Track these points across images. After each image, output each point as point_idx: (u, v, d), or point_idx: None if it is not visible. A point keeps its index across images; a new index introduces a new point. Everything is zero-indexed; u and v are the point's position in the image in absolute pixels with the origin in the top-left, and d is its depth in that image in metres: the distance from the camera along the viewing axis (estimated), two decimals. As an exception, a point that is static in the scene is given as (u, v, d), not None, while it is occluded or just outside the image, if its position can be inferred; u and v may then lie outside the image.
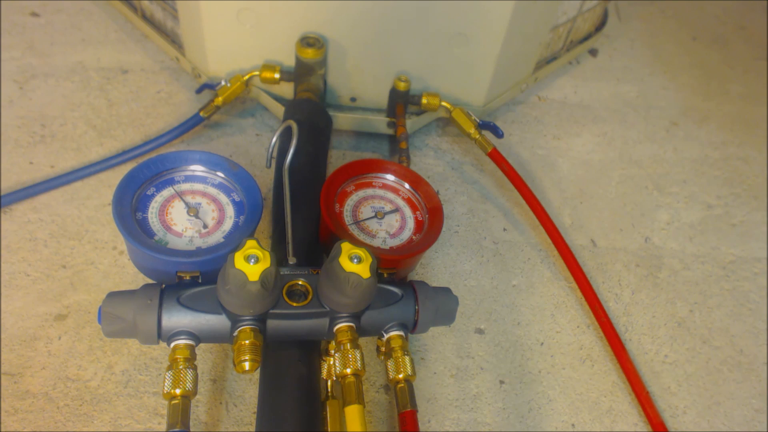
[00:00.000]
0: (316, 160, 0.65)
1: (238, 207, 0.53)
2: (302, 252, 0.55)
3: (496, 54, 0.74)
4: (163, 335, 0.46)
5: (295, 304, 0.47)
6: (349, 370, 0.46)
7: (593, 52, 1.05)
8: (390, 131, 0.78)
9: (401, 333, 0.50)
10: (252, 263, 0.42)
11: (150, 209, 0.51)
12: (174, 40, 0.82)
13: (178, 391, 0.43)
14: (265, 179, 0.73)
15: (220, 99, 0.72)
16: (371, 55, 0.73)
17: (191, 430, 0.44)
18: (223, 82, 0.73)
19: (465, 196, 0.77)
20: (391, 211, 0.57)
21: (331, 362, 0.49)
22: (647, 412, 0.59)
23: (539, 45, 0.84)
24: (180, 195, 0.53)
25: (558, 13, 0.82)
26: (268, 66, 0.73)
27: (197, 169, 0.54)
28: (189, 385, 0.44)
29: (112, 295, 0.46)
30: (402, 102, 0.75)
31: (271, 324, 0.47)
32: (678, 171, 0.87)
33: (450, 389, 0.59)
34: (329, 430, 0.49)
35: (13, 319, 0.57)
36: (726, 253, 0.77)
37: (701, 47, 1.13)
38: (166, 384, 0.44)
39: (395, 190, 0.59)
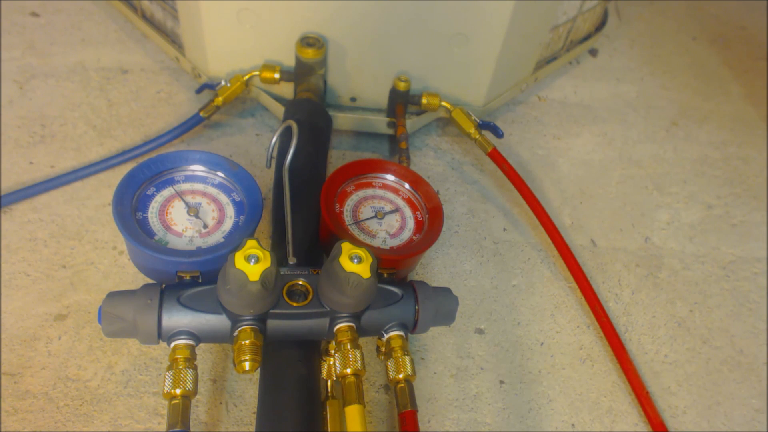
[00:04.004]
0: (316, 160, 0.65)
1: (238, 207, 0.53)
2: (302, 252, 0.55)
3: (496, 54, 0.74)
4: (163, 335, 0.46)
5: (295, 304, 0.47)
6: (349, 370, 0.46)
7: (593, 52, 1.05)
8: (390, 131, 0.78)
9: (401, 333, 0.50)
10: (252, 263, 0.42)
11: (150, 209, 0.51)
12: (174, 40, 0.82)
13: (178, 391, 0.43)
14: (265, 179, 0.73)
15: (220, 99, 0.72)
16: (371, 55, 0.73)
17: (191, 430, 0.44)
18: (223, 82, 0.73)
19: (465, 196, 0.77)
20: (391, 211, 0.57)
21: (331, 362, 0.49)
22: (647, 412, 0.59)
23: (539, 45, 0.84)
24: (180, 195, 0.53)
25: (558, 13, 0.82)
26: (268, 66, 0.73)
27: (197, 169, 0.54)
28: (189, 385, 0.44)
29: (112, 295, 0.46)
30: (402, 102, 0.75)
31: (272, 324, 0.47)
32: (678, 171, 0.87)
33: (450, 389, 0.59)
34: (329, 430, 0.49)
35: (13, 319, 0.57)
36: (726, 253, 0.77)
37: (701, 47, 1.13)
38: (166, 384, 0.44)
39: (395, 190, 0.59)
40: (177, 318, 0.45)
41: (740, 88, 1.05)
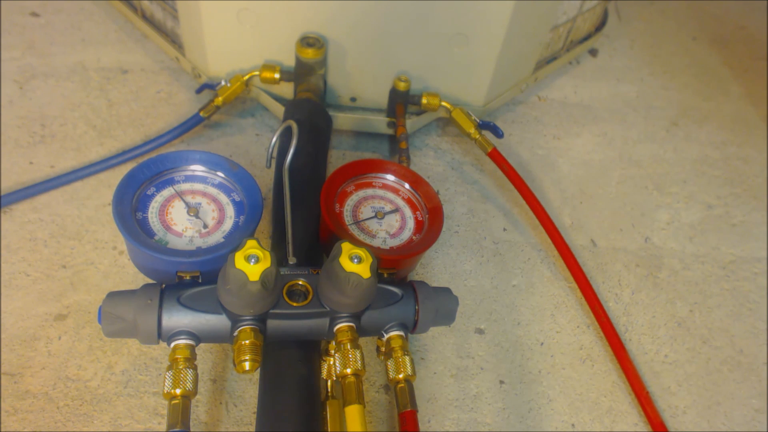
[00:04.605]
0: (316, 160, 0.65)
1: (238, 207, 0.53)
2: (302, 252, 0.55)
3: (496, 54, 0.74)
4: (163, 335, 0.46)
5: (295, 304, 0.47)
6: (349, 370, 0.46)
7: (593, 52, 1.05)
8: (390, 131, 0.78)
9: (401, 333, 0.50)
10: (252, 263, 0.42)
11: (150, 209, 0.51)
12: (174, 40, 0.82)
13: (178, 391, 0.43)
14: (265, 179, 0.73)
15: (220, 99, 0.72)
16: (371, 55, 0.73)
17: (191, 430, 0.44)
18: (223, 82, 0.73)
19: (465, 196, 0.77)
20: (391, 211, 0.57)
21: (331, 362, 0.49)
22: (647, 412, 0.59)
23: (539, 45, 0.84)
24: (180, 195, 0.53)
25: (558, 13, 0.82)
26: (268, 66, 0.73)
27: (197, 169, 0.54)
28: (189, 385, 0.44)
29: (112, 295, 0.46)
30: (402, 102, 0.75)
31: (272, 324, 0.47)
32: (678, 171, 0.87)
33: (450, 389, 0.59)
34: (329, 430, 0.49)
35: (13, 319, 0.57)
36: (726, 253, 0.77)
37: (701, 47, 1.13)
38: (166, 384, 0.44)
39: (395, 190, 0.59)
40: (177, 318, 0.45)
41: (740, 88, 1.05)
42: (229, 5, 0.69)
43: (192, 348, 0.46)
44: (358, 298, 0.45)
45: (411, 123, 0.77)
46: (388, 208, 0.57)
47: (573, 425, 0.58)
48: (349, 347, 0.46)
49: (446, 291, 0.53)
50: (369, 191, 0.58)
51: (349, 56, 0.73)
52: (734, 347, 0.67)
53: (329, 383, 0.52)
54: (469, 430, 0.56)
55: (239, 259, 0.42)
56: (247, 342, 0.45)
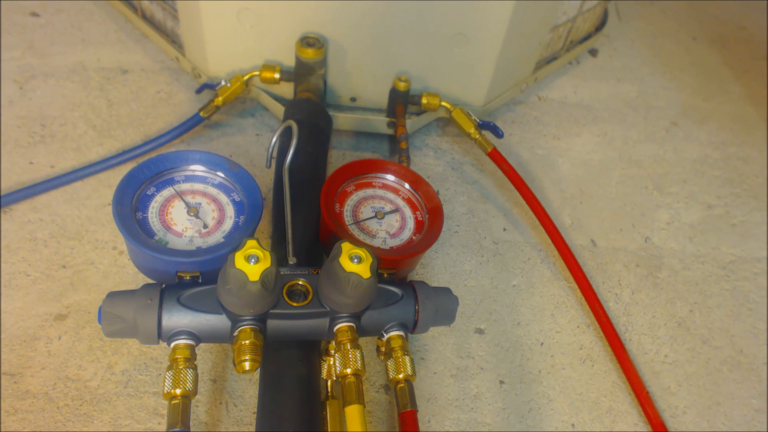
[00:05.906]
0: (316, 160, 0.65)
1: (238, 207, 0.53)
2: (302, 252, 0.55)
3: (496, 54, 0.74)
4: (163, 335, 0.46)
5: (295, 304, 0.47)
6: (349, 370, 0.46)
7: (593, 52, 1.05)
8: (390, 131, 0.78)
9: (401, 333, 0.50)
10: (252, 263, 0.42)
11: (150, 209, 0.51)
12: (174, 40, 0.82)
13: (178, 391, 0.43)
14: (265, 179, 0.73)
15: (220, 99, 0.72)
16: (371, 55, 0.73)
17: (191, 430, 0.44)
18: (223, 82, 0.73)
19: (465, 196, 0.77)
20: (391, 211, 0.57)
21: (331, 362, 0.49)
22: (647, 412, 0.59)
23: (539, 45, 0.84)
24: (180, 195, 0.53)
25: (558, 13, 0.82)
26: (268, 66, 0.73)
27: (197, 169, 0.54)
28: (189, 385, 0.44)
29: (112, 295, 0.46)
30: (402, 102, 0.75)
31: (272, 324, 0.47)
32: (678, 171, 0.87)
33: (450, 389, 0.59)
34: (329, 430, 0.49)
35: (13, 319, 0.57)
36: (726, 253, 0.77)
37: (701, 47, 1.13)
38: (166, 384, 0.44)
39: (395, 190, 0.59)
40: (177, 318, 0.45)
41: (740, 88, 1.05)
42: (229, 5, 0.69)
43: (192, 348, 0.46)
44: (358, 298, 0.45)
45: (411, 123, 0.77)
46: (388, 208, 0.57)
47: (573, 425, 0.58)
48: (349, 347, 0.46)
49: (446, 291, 0.53)
50: (369, 191, 0.58)
51: (349, 56, 0.73)
52: (734, 347, 0.67)
53: (329, 383, 0.52)
54: (469, 430, 0.56)
55: (239, 259, 0.42)
56: (247, 342, 0.45)
